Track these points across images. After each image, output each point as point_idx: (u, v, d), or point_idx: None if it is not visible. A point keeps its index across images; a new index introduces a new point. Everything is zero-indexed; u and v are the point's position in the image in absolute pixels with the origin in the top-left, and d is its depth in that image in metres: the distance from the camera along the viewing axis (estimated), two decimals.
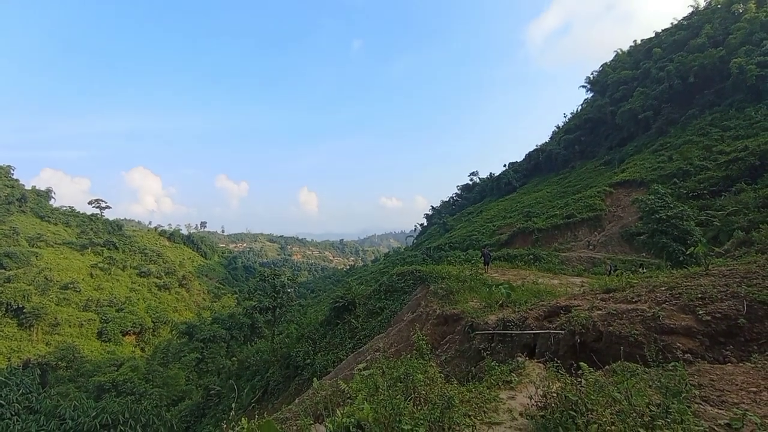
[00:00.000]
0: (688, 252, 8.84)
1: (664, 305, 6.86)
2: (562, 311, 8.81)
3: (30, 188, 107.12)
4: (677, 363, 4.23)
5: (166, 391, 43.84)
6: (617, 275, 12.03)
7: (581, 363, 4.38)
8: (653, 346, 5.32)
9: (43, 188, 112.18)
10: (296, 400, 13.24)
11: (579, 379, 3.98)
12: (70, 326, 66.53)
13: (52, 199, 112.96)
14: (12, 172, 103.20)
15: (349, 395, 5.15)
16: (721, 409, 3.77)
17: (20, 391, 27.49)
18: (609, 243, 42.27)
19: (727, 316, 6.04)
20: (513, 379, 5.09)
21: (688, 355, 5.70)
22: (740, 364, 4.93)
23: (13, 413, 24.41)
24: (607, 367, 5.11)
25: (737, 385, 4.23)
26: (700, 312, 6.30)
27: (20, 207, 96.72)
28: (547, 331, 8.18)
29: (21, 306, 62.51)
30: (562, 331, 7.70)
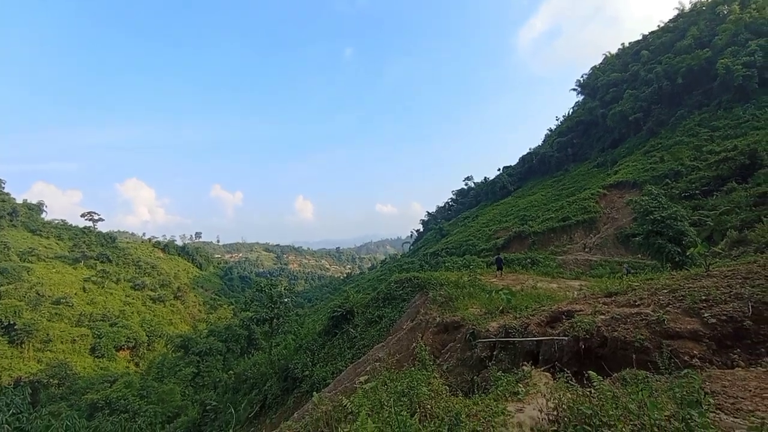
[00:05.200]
0: (688, 253, 8.78)
1: (667, 308, 6.74)
2: (564, 316, 8.68)
3: (21, 202, 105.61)
4: (690, 370, 4.11)
5: (162, 407, 42.89)
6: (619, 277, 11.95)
7: (590, 372, 4.25)
8: (663, 352, 5.19)
9: (34, 202, 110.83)
10: (295, 415, 12.94)
11: (589, 390, 3.83)
12: (62, 342, 65.21)
13: (44, 213, 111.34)
14: (3, 185, 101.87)
15: (351, 411, 4.96)
16: (736, 417, 3.64)
17: (10, 412, 26.61)
18: (604, 245, 42.43)
19: (732, 318, 5.91)
20: (520, 390, 4.94)
21: (696, 360, 5.57)
22: (751, 369, 4.81)
23: None
24: (615, 374, 4.98)
25: (751, 391, 4.09)
26: (705, 315, 6.18)
27: (11, 221, 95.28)
28: (551, 337, 8.04)
29: (12, 322, 61.20)
30: (566, 338, 7.56)
